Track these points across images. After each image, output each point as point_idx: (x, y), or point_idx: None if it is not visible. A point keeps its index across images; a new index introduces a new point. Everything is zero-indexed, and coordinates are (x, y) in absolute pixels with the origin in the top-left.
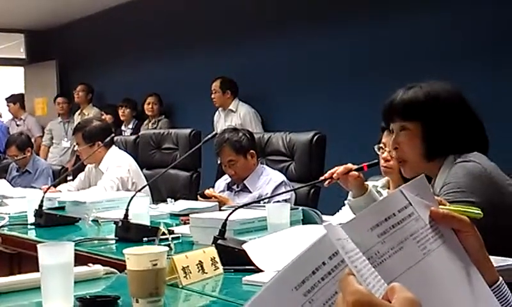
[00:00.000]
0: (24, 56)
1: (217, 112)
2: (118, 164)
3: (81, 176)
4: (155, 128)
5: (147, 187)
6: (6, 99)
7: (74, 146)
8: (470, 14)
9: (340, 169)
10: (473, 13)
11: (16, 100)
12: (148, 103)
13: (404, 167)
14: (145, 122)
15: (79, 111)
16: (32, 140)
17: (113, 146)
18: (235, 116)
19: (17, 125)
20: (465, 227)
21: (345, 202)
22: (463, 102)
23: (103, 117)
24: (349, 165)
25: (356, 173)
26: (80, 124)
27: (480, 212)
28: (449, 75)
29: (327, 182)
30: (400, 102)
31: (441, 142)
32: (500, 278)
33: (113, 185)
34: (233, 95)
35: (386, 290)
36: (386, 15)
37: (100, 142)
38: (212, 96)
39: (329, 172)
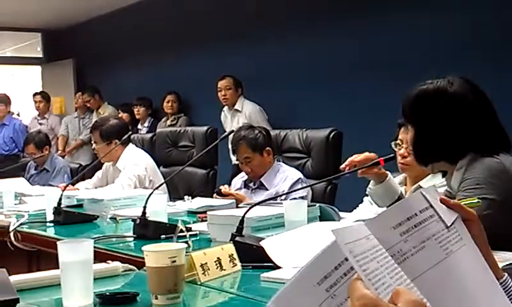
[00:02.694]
0: (41, 55)
1: (223, 113)
2: (135, 162)
3: (99, 174)
4: (175, 125)
5: (164, 184)
6: (36, 94)
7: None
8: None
9: (360, 157)
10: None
11: (46, 98)
12: (168, 101)
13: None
14: (163, 119)
15: (95, 111)
16: (53, 140)
17: (130, 144)
18: (241, 116)
19: (40, 124)
20: (472, 216)
21: (367, 191)
22: (476, 100)
23: (119, 115)
24: (368, 153)
25: (375, 168)
26: (97, 122)
27: (478, 200)
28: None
29: (347, 168)
30: (403, 102)
31: (425, 148)
32: (505, 274)
33: (130, 183)
34: (241, 93)
35: (391, 294)
36: (403, 13)
37: (117, 141)
38: (223, 93)
39: (348, 160)
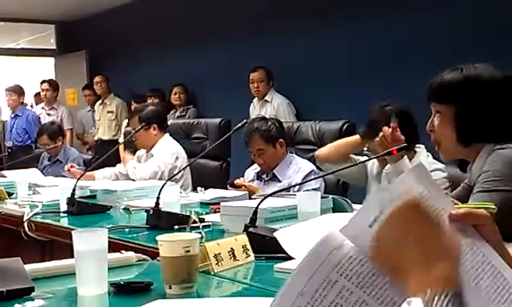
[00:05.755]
0: (54, 47)
1: (252, 104)
2: (171, 151)
3: (132, 163)
4: (184, 117)
5: (190, 176)
6: (44, 81)
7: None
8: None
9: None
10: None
11: (54, 87)
12: (175, 93)
13: (439, 150)
14: (171, 111)
15: (100, 101)
16: None
17: (167, 134)
18: (270, 107)
19: (48, 114)
20: (484, 220)
21: (383, 175)
22: (506, 88)
23: (133, 106)
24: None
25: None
26: (137, 108)
27: (495, 206)
28: None
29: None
30: (437, 85)
31: (474, 128)
32: None
33: (158, 170)
34: (272, 86)
35: None
36: (423, 10)
37: (155, 126)
38: (256, 85)
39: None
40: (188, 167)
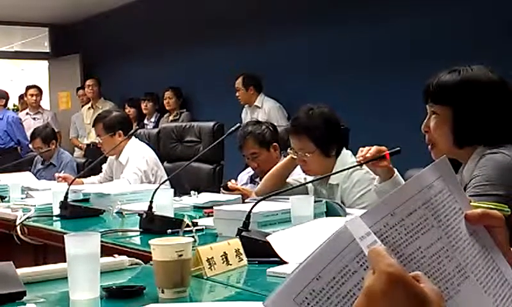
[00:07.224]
0: (48, 50)
1: (244, 109)
2: (140, 155)
3: (105, 167)
4: (177, 121)
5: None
6: (29, 87)
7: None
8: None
9: (371, 150)
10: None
11: (39, 92)
12: (165, 99)
13: (433, 151)
14: (165, 115)
15: (89, 105)
16: None
17: (133, 138)
18: (261, 112)
19: (34, 119)
20: (498, 222)
21: (372, 189)
22: (503, 91)
23: (127, 110)
24: (378, 147)
25: (385, 162)
26: (100, 115)
27: (508, 209)
28: None
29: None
30: (435, 86)
31: (471, 130)
32: None
33: (136, 177)
34: (257, 91)
35: (412, 276)
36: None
37: (121, 132)
38: (237, 93)
39: (362, 152)
40: (163, 170)
